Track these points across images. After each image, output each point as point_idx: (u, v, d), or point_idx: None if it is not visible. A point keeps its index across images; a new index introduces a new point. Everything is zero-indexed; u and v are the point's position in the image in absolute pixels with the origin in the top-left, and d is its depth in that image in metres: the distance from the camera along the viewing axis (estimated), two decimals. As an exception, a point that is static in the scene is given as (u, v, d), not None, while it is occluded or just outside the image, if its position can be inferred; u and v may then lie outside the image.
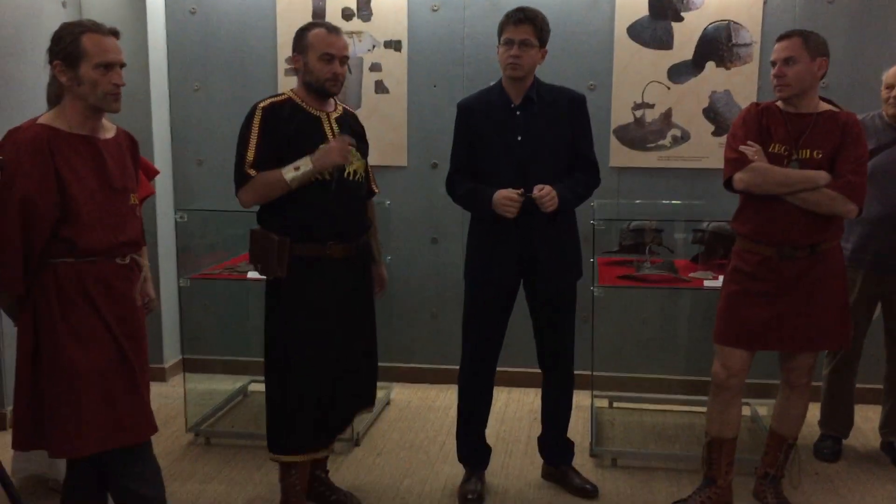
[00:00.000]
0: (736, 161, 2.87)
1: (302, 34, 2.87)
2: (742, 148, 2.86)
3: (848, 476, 3.48)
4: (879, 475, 3.49)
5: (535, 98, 3.06)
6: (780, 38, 2.87)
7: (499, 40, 3.04)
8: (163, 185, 4.59)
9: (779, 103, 2.92)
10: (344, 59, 2.87)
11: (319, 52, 2.82)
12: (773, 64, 2.86)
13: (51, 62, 2.36)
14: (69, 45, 2.32)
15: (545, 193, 2.94)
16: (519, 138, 3.04)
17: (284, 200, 2.82)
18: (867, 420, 3.91)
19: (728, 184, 2.92)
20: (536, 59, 3.02)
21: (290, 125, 2.81)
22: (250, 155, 2.79)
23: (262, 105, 2.84)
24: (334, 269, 2.88)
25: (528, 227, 3.03)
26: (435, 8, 4.39)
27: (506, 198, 2.96)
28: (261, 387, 3.03)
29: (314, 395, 2.89)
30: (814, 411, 3.61)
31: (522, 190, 2.96)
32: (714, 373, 3.03)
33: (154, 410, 2.58)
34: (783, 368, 3.07)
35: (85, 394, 2.34)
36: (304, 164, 2.76)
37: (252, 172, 2.78)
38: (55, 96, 2.41)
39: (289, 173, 2.75)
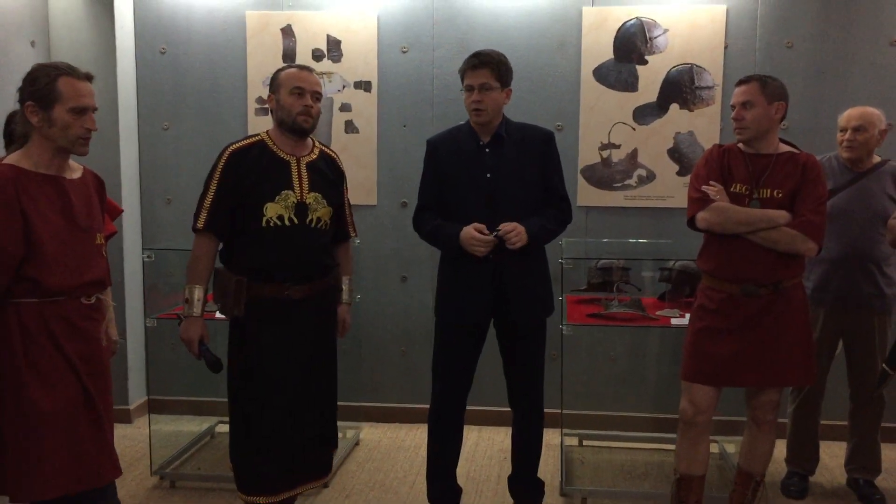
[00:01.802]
0: (699, 201, 2.93)
1: (275, 75, 2.92)
2: (704, 188, 2.92)
3: (815, 512, 3.51)
4: (846, 511, 3.53)
5: (504, 136, 3.09)
6: (739, 83, 2.95)
7: (462, 85, 3.08)
8: (130, 224, 4.57)
9: (740, 145, 2.99)
10: (316, 95, 2.89)
11: (290, 87, 2.85)
12: (733, 107, 2.94)
13: (22, 101, 2.35)
14: (44, 87, 2.32)
15: (510, 230, 2.96)
16: (488, 175, 3.06)
17: (245, 241, 2.85)
18: (833, 456, 3.95)
19: (691, 223, 2.98)
20: (500, 100, 3.06)
21: (254, 170, 2.83)
22: (206, 203, 2.84)
23: (229, 150, 2.87)
24: (293, 309, 2.87)
25: (499, 265, 3.05)
26: (404, 49, 4.45)
27: (473, 238, 2.97)
28: (228, 427, 3.01)
29: (273, 435, 2.86)
30: (780, 448, 3.64)
31: (494, 233, 2.97)
32: (682, 410, 3.05)
33: (118, 452, 2.54)
34: (749, 405, 3.10)
35: (48, 436, 2.30)
36: (190, 308, 2.86)
37: (201, 225, 2.84)
38: (22, 135, 2.40)
39: (188, 304, 2.87)
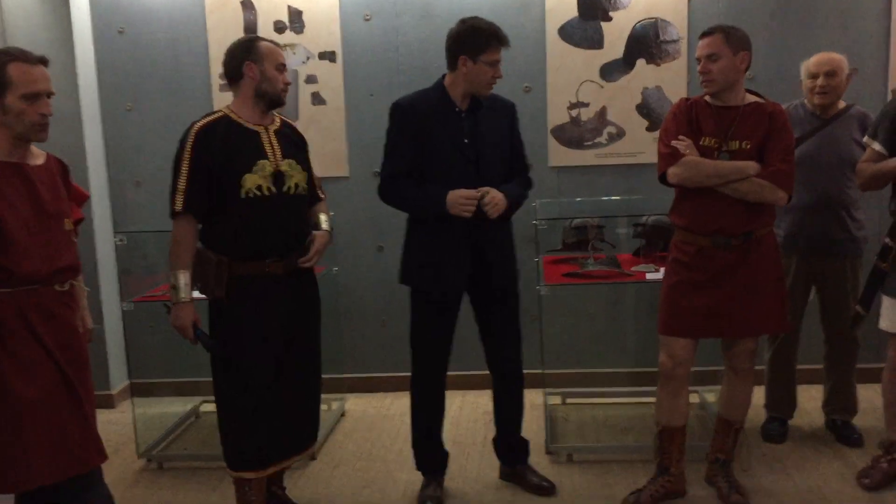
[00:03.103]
0: (669, 156, 2.94)
1: (252, 44, 2.88)
2: (674, 143, 2.93)
3: (795, 455, 3.58)
4: (825, 452, 3.60)
5: (481, 104, 3.09)
6: (703, 35, 2.94)
7: (474, 57, 2.98)
8: (100, 208, 4.51)
9: (707, 97, 3.00)
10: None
11: (275, 62, 2.86)
12: (699, 60, 2.93)
13: None
14: None
15: (492, 199, 2.98)
16: (466, 141, 3.06)
17: (224, 218, 2.82)
18: (811, 399, 4.02)
19: (663, 178, 2.99)
20: None
21: (226, 144, 2.80)
22: (181, 185, 2.78)
23: (196, 128, 2.82)
24: (274, 287, 2.86)
25: (478, 230, 3.05)
26: (367, 17, 4.40)
27: (463, 196, 2.97)
28: (212, 407, 3.01)
29: (258, 411, 2.87)
30: (759, 394, 3.70)
31: (481, 191, 2.98)
32: (661, 363, 3.09)
33: (104, 438, 2.53)
34: (726, 355, 3.14)
35: (30, 425, 2.29)
36: (178, 294, 2.80)
37: (179, 207, 2.78)
38: None
39: (175, 291, 2.81)
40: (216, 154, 2.78)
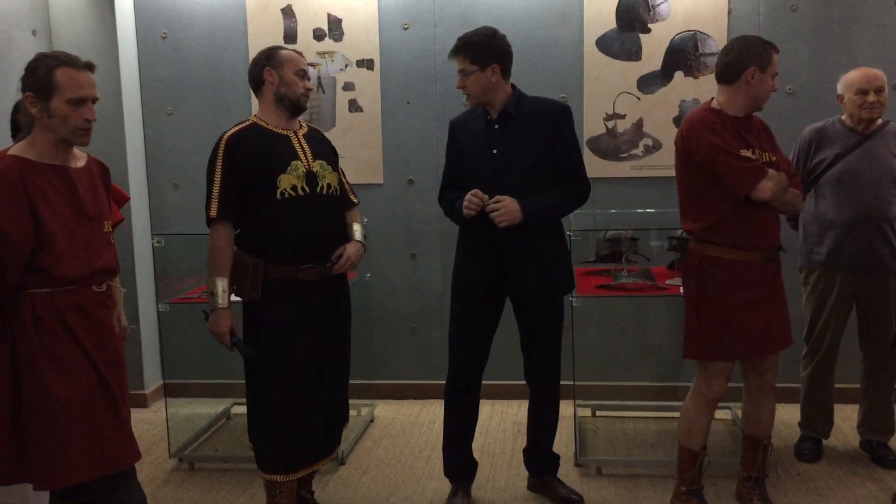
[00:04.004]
0: (758, 170, 2.76)
1: (272, 51, 2.95)
2: (748, 154, 2.79)
3: (829, 476, 3.52)
4: (860, 474, 3.53)
5: (512, 112, 3.07)
6: (777, 52, 2.89)
7: None
8: (139, 210, 4.58)
9: (716, 104, 2.91)
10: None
11: (294, 67, 2.92)
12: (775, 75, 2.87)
13: (23, 92, 2.35)
14: (42, 78, 2.31)
15: (497, 208, 2.96)
16: (494, 151, 3.06)
17: (259, 220, 2.86)
18: (846, 419, 3.96)
19: (744, 194, 2.80)
20: (483, 81, 3.00)
21: (258, 148, 2.85)
22: (215, 192, 2.83)
23: (226, 137, 2.87)
24: (307, 291, 2.90)
25: (498, 240, 3.05)
26: (406, 26, 4.43)
27: (466, 199, 3.00)
28: (244, 409, 3.04)
29: (290, 415, 2.90)
30: (794, 412, 3.65)
31: (487, 197, 2.98)
32: (715, 390, 2.98)
33: (136, 437, 2.56)
34: (755, 371, 3.05)
35: (67, 423, 2.32)
36: (216, 300, 2.83)
37: (214, 214, 2.83)
38: (27, 125, 2.40)
39: (213, 297, 2.84)
40: (249, 158, 2.83)
